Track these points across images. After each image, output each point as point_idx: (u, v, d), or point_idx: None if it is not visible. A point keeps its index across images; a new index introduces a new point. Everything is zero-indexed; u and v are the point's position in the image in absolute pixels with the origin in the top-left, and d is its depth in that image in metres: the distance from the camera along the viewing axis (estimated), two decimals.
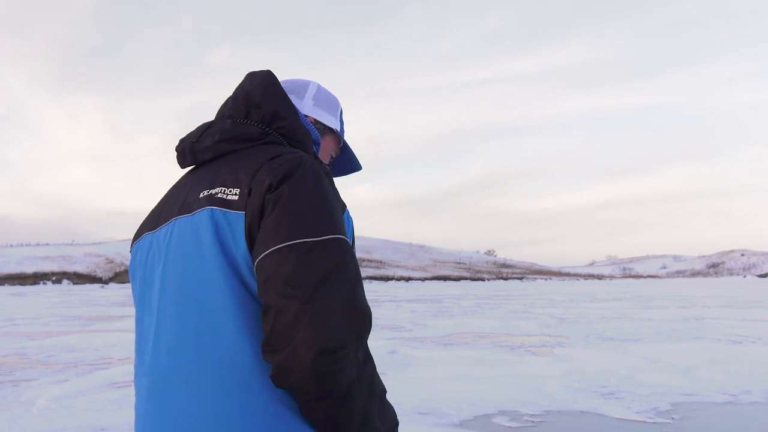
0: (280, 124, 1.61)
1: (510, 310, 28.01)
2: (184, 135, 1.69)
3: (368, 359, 1.40)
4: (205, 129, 1.63)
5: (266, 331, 1.30)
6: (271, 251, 1.32)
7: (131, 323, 21.31)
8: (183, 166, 1.68)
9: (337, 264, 1.32)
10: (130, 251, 1.69)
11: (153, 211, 1.66)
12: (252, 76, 1.66)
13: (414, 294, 56.09)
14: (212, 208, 1.43)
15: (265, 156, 1.47)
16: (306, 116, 1.75)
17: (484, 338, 15.18)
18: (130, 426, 6.69)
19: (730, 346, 13.81)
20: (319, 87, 1.83)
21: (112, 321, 22.82)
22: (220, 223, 1.41)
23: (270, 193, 1.37)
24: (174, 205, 1.57)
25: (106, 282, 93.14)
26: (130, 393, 8.62)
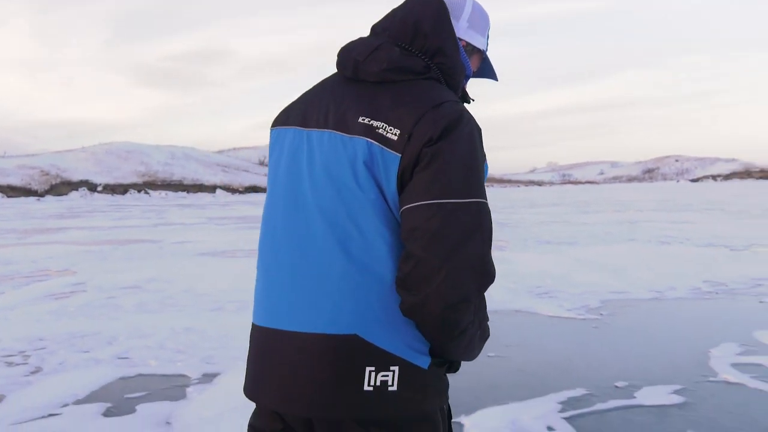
0: (442, 60, 1.66)
1: None
2: (346, 43, 1.72)
3: (483, 300, 1.65)
4: (373, 50, 1.63)
5: (404, 271, 1.50)
6: (421, 205, 1.48)
7: (70, 235, 20.96)
8: (342, 74, 1.71)
9: (476, 227, 1.50)
10: (271, 129, 1.78)
11: (299, 103, 1.74)
12: (425, 4, 1.67)
13: None
14: (371, 142, 1.54)
15: (429, 100, 1.55)
16: (460, 39, 1.77)
17: None
18: (68, 336, 6.67)
19: (659, 247, 14.41)
20: (474, 5, 1.81)
21: (49, 233, 22.36)
22: (376, 157, 1.53)
23: (429, 146, 1.50)
24: (325, 111, 1.64)
25: (41, 195, 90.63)
26: (68, 304, 8.56)
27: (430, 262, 1.46)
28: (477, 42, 1.81)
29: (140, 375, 5.39)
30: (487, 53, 1.89)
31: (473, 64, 1.84)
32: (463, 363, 1.71)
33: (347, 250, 1.55)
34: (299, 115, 1.70)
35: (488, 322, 1.72)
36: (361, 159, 1.54)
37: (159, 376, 5.36)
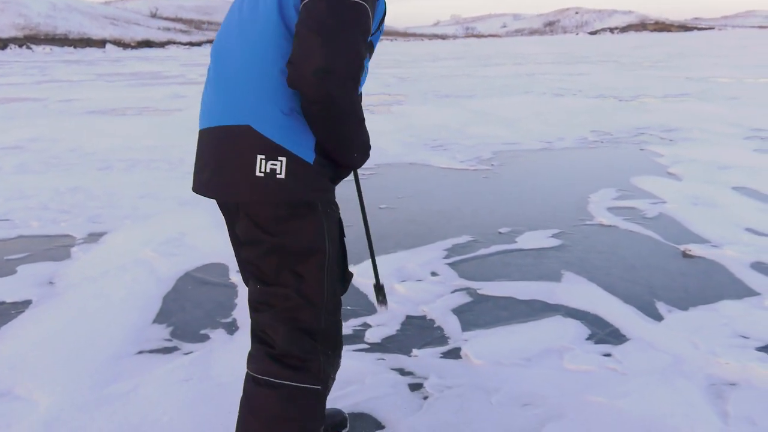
0: None
1: None
2: None
3: (358, 104, 1.85)
4: None
5: (292, 51, 1.75)
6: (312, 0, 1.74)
7: None
8: None
9: (354, 21, 1.74)
10: None
11: None
12: None
13: None
14: None
15: None
16: None
17: None
18: None
19: (553, 99, 14.73)
20: None
21: None
22: None
23: None
24: None
25: None
26: None
27: (311, 38, 1.70)
28: None
29: (21, 236, 5.20)
30: None
31: None
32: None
33: (253, 57, 1.84)
34: None
35: (372, 153, 1.98)
36: None
37: (42, 237, 5.19)
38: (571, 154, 8.32)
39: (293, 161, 1.80)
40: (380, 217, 5.57)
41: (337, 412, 2.57)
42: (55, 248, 4.90)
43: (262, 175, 1.79)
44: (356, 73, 1.74)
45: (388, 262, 4.39)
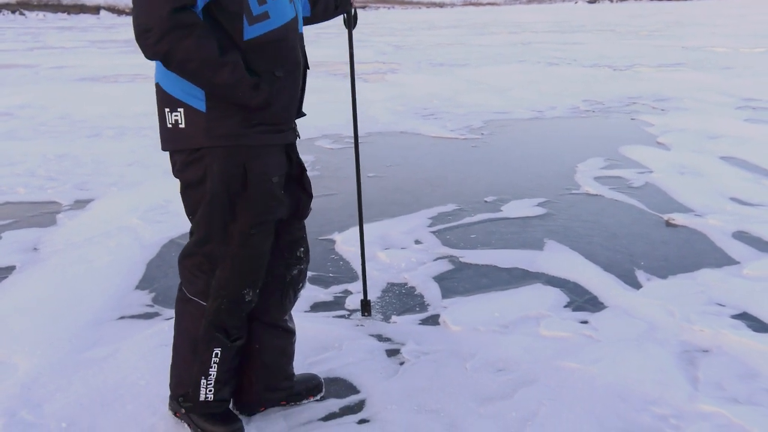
0: None
1: None
2: None
3: (193, 47, 1.89)
4: None
5: None
6: None
7: None
8: None
9: None
10: None
11: None
12: None
13: None
14: None
15: None
16: None
17: (318, 67, 15.11)
18: None
19: (547, 67, 14.65)
20: None
21: None
22: None
23: None
24: None
25: None
26: None
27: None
28: None
29: (7, 203, 5.20)
30: None
31: None
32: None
33: None
34: None
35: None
36: None
37: (28, 203, 5.20)
38: (561, 123, 8.31)
39: (190, 111, 2.00)
40: (367, 185, 5.56)
41: (312, 377, 2.60)
42: (40, 215, 4.91)
43: (171, 126, 2.04)
44: (164, 23, 1.84)
45: (373, 230, 4.40)
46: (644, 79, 12.25)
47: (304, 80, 2.23)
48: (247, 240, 2.12)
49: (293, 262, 2.35)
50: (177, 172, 2.13)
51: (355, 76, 3.06)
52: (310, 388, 2.55)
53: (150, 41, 1.87)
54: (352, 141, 2.99)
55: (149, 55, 1.92)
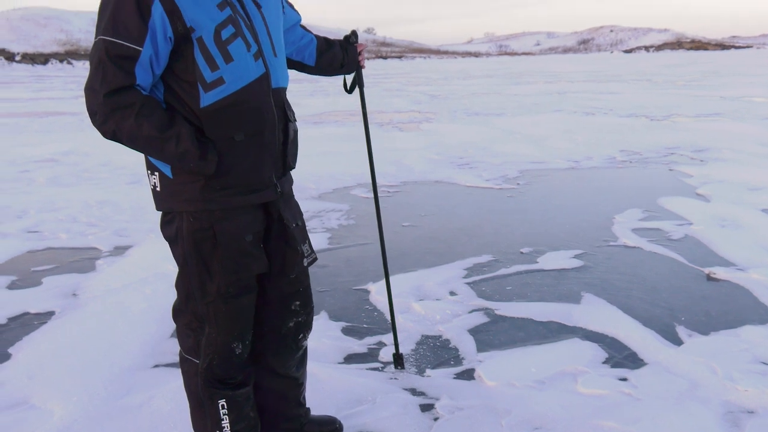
0: None
1: (385, 89, 28.18)
2: None
3: (126, 128, 1.97)
4: None
5: None
6: None
7: None
8: None
9: (93, 57, 1.98)
10: None
11: None
12: None
13: (291, 75, 54.97)
14: None
15: None
16: None
17: (355, 116, 15.32)
18: None
19: (583, 117, 14.64)
20: None
21: None
22: None
23: None
24: None
25: None
26: None
27: None
28: None
29: (49, 248, 5.31)
30: None
31: None
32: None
33: None
34: None
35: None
36: None
37: (69, 249, 5.29)
38: (598, 173, 8.25)
39: (162, 176, 2.09)
40: (402, 234, 5.57)
41: (331, 420, 2.58)
42: (80, 260, 4.99)
43: (151, 188, 2.15)
44: (104, 107, 1.94)
45: (408, 281, 4.39)
46: (682, 129, 12.15)
47: (287, 134, 2.22)
48: (226, 297, 2.15)
49: (288, 315, 2.33)
50: (161, 229, 2.22)
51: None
52: (326, 430, 2.53)
53: (97, 123, 1.98)
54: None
55: (102, 135, 2.02)
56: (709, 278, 4.40)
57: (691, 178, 7.69)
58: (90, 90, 1.97)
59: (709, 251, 4.95)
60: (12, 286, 4.45)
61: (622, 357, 3.27)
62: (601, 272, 4.55)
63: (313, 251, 2.37)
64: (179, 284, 2.21)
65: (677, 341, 3.43)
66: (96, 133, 9.49)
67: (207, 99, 1.99)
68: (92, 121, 2.00)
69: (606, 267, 4.66)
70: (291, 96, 2.57)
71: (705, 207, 6.28)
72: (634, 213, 6.12)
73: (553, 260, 4.83)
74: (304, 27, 2.56)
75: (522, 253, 5.03)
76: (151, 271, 4.63)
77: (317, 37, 2.61)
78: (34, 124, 14.90)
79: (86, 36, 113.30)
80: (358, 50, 2.73)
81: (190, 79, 1.98)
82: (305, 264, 2.30)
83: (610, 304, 3.95)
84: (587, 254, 4.95)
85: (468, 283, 4.37)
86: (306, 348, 2.45)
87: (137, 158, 9.63)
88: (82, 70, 75.83)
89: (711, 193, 6.84)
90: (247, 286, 2.17)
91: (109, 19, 1.94)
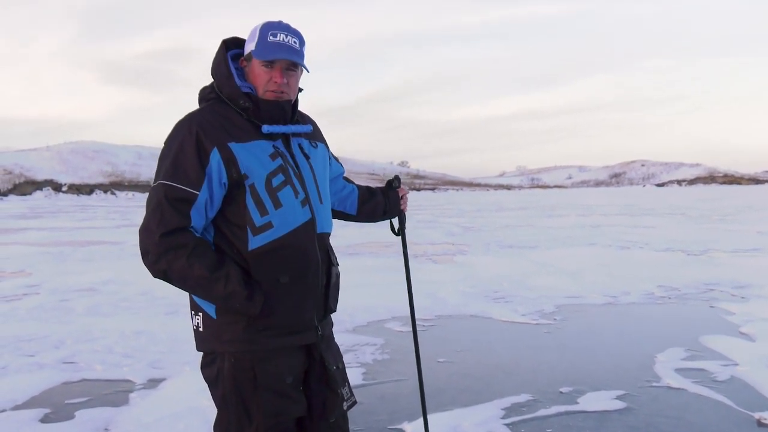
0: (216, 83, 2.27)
1: (419, 220, 28.56)
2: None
3: (178, 268, 2.07)
4: None
5: None
6: None
7: (30, 236, 20.62)
8: None
9: (150, 201, 2.09)
10: None
11: None
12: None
13: None
14: None
15: None
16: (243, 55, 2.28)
17: (389, 247, 15.47)
18: (14, 339, 6.55)
19: (619, 251, 14.58)
20: (256, 26, 2.24)
21: (8, 234, 21.96)
22: None
23: None
24: None
25: (4, 194, 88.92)
26: (19, 306, 8.42)
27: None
28: (248, 48, 2.24)
29: (84, 380, 5.31)
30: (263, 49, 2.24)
31: (254, 69, 2.21)
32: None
33: None
34: None
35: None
36: None
37: (103, 381, 5.28)
38: (637, 309, 8.12)
39: (206, 317, 2.16)
40: (437, 370, 5.47)
41: None
42: (114, 393, 4.97)
43: (194, 328, 2.22)
44: (157, 247, 2.05)
45: (444, 420, 4.27)
46: (720, 265, 12.01)
47: (329, 277, 2.28)
48: None
49: None
50: (201, 370, 2.27)
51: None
52: None
53: (149, 263, 2.08)
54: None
55: (153, 275, 2.11)
56: (760, 424, 4.20)
57: (734, 315, 7.51)
58: (145, 230, 2.06)
59: (758, 394, 4.76)
60: (45, 420, 4.42)
61: None
62: (646, 415, 4.38)
63: (352, 394, 2.34)
64: (217, 427, 2.19)
65: None
66: (136, 262, 9.67)
67: (255, 242, 2.06)
68: (144, 261, 2.08)
69: (651, 410, 4.49)
70: None
71: (750, 347, 6.10)
72: (676, 352, 5.96)
73: (594, 401, 4.67)
74: (347, 179, 2.66)
75: (561, 392, 4.88)
76: (184, 405, 4.58)
77: (359, 187, 2.70)
78: (76, 253, 15.28)
79: (131, 168, 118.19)
80: (400, 194, 2.79)
81: (240, 223, 2.06)
82: (345, 408, 2.27)
83: None
84: (630, 395, 4.79)
85: (507, 424, 4.23)
86: None
87: (176, 289, 9.76)
88: (124, 200, 78.53)
89: (755, 332, 6.66)
90: (286, 429, 2.13)
91: (170, 164, 2.07)
